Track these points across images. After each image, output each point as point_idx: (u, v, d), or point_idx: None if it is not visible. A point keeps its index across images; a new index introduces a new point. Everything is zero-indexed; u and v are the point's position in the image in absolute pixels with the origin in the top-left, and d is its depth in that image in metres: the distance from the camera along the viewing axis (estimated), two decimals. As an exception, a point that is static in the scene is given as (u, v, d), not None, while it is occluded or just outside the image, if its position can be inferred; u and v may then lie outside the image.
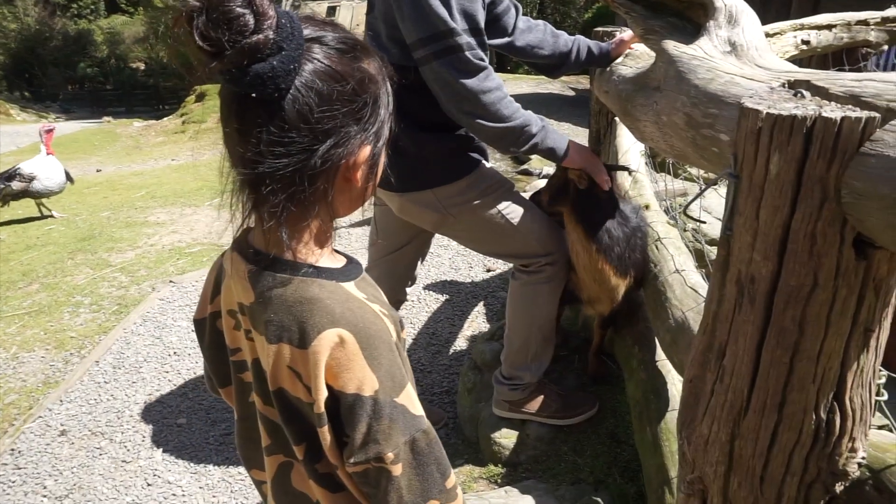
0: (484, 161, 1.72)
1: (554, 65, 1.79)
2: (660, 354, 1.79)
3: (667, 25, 1.27)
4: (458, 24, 1.44)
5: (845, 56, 3.10)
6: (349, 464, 0.73)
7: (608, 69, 1.74)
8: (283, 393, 0.73)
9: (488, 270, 3.46)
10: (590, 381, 2.14)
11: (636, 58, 1.69)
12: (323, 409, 0.70)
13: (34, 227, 5.09)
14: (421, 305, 3.13)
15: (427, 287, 3.31)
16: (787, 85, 0.79)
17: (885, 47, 3.70)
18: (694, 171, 2.80)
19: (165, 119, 14.02)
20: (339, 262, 0.77)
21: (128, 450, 2.23)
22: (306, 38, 0.65)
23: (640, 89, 1.32)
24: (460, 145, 1.66)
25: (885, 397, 0.80)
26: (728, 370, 0.80)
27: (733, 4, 1.13)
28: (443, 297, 3.20)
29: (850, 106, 0.66)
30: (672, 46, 1.11)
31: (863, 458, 0.78)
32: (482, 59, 1.49)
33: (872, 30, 3.13)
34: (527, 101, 6.93)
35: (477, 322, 2.94)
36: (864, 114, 0.61)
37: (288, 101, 0.63)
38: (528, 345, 1.85)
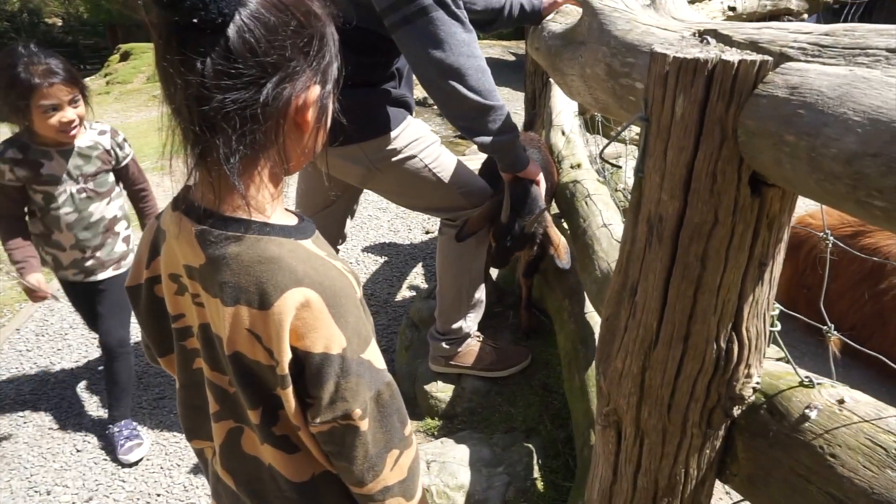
0: (409, 115, 1.72)
1: (486, 20, 1.79)
2: (588, 307, 1.87)
3: (593, -20, 1.29)
4: None
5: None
6: (315, 424, 0.71)
7: (540, 26, 1.76)
8: (240, 357, 0.71)
9: (427, 232, 3.48)
10: (523, 336, 2.21)
11: (566, 14, 1.71)
12: (287, 371, 0.68)
13: (-58, 192, 4.75)
14: (359, 267, 3.13)
15: (365, 249, 3.31)
16: (696, 34, 0.82)
17: (806, 15, 3.86)
18: (624, 133, 2.88)
19: (87, 79, 13.16)
20: (292, 220, 0.75)
21: (54, 417, 2.16)
22: None
23: (568, 44, 1.34)
24: (385, 99, 1.65)
25: (779, 328, 0.87)
26: (640, 306, 0.85)
27: (654, -40, 1.16)
28: (381, 259, 3.20)
29: (748, 51, 0.70)
30: (596, 0, 1.14)
31: (757, 383, 0.85)
32: (467, 19, 1.45)
33: (794, -2, 3.25)
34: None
35: (415, 283, 2.97)
36: (759, 57, 0.65)
37: (232, 30, 0.60)
38: (460, 297, 1.89)
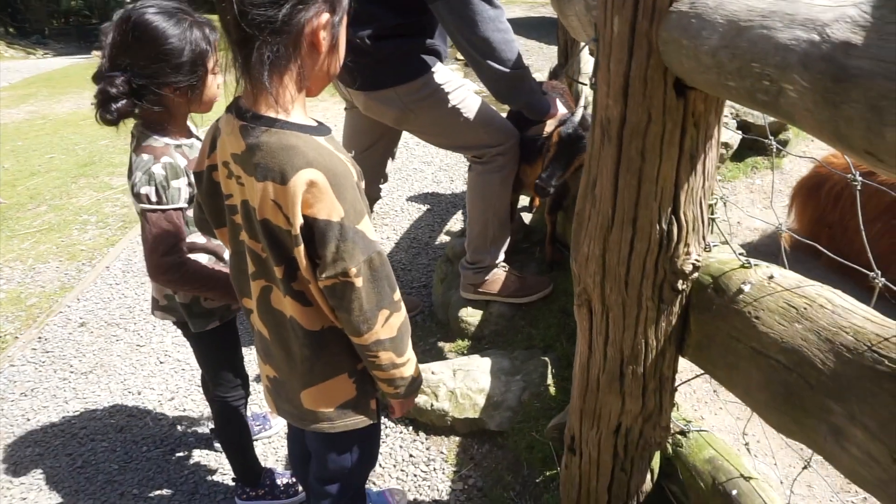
0: (439, 62, 1.91)
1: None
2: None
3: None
4: None
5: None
6: (321, 279, 0.95)
7: (555, -24, 1.90)
8: (267, 223, 0.95)
9: (468, 183, 3.68)
10: (547, 268, 2.40)
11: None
12: (298, 231, 0.92)
13: (36, 156, 5.27)
14: (404, 214, 3.37)
15: (410, 198, 3.54)
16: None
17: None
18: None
19: (156, 53, 13.84)
20: (312, 122, 0.98)
21: (140, 336, 2.52)
22: None
23: (568, -12, 1.50)
24: (418, 48, 1.84)
25: (718, 216, 1.04)
26: (598, 197, 1.04)
27: None
28: (424, 207, 3.43)
29: (671, -22, 0.86)
30: (583, -55, 1.29)
31: (696, 259, 1.03)
32: None
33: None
34: (519, 25, 6.94)
35: (454, 227, 3.19)
36: (672, -19, 0.82)
37: None
38: (486, 229, 2.09)
